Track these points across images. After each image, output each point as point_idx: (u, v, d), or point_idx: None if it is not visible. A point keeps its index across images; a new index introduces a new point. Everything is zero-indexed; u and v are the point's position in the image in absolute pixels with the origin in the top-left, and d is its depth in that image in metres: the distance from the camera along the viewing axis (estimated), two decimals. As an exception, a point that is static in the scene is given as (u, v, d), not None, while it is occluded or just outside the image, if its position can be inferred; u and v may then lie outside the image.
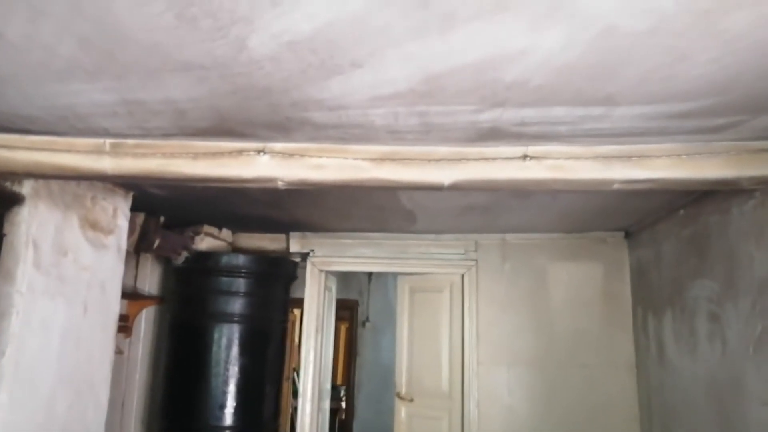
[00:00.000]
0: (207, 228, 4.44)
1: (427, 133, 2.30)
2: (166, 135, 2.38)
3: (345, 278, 7.19)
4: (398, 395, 4.80)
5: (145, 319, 4.63)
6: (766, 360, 2.65)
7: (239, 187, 2.72)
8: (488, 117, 2.13)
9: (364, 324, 7.44)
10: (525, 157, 2.46)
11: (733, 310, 2.94)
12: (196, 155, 2.44)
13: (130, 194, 3.43)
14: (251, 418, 4.05)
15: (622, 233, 4.57)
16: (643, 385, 4.26)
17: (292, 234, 4.75)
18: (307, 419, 4.42)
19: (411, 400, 4.74)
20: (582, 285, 4.57)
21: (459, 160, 2.46)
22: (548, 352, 4.51)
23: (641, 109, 2.05)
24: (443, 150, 2.46)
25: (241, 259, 4.20)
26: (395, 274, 5.27)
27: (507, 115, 2.12)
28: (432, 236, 4.68)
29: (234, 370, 4.01)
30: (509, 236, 4.64)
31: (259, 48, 1.63)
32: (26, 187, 2.62)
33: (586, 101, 1.99)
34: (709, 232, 3.21)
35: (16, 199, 2.55)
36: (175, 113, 2.13)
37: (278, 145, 2.45)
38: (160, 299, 4.66)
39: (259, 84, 1.86)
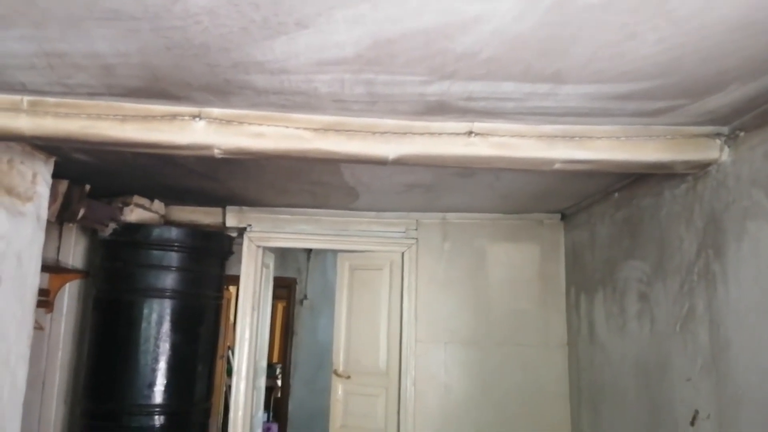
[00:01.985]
0: (137, 199, 4.21)
1: (373, 104, 2.23)
2: (92, 94, 2.20)
3: (283, 255, 7.05)
4: (335, 372, 4.77)
5: (69, 294, 4.37)
6: (691, 337, 2.76)
7: (172, 155, 2.57)
8: (436, 89, 2.08)
9: (302, 302, 7.34)
10: (470, 133, 2.43)
11: (662, 290, 3.05)
12: (124, 117, 2.27)
13: (52, 159, 3.19)
14: (182, 397, 3.91)
15: (559, 215, 4.67)
16: (573, 364, 4.40)
17: (228, 208, 4.59)
18: (242, 397, 4.32)
19: (348, 378, 4.71)
20: (520, 266, 4.65)
21: (405, 133, 2.41)
22: (485, 331, 4.58)
23: (587, 88, 2.06)
24: (389, 123, 2.40)
25: (173, 232, 4.01)
26: (335, 252, 5.20)
27: (455, 89, 2.08)
28: (373, 214, 4.63)
29: (164, 348, 3.84)
30: (450, 216, 4.65)
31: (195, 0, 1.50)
32: (-70, 146, 2.37)
33: (534, 77, 1.97)
34: (641, 214, 3.31)
35: None
36: (102, 69, 1.96)
37: (215, 111, 2.32)
38: (85, 273, 4.40)
39: (195, 40, 1.73)
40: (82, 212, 3.60)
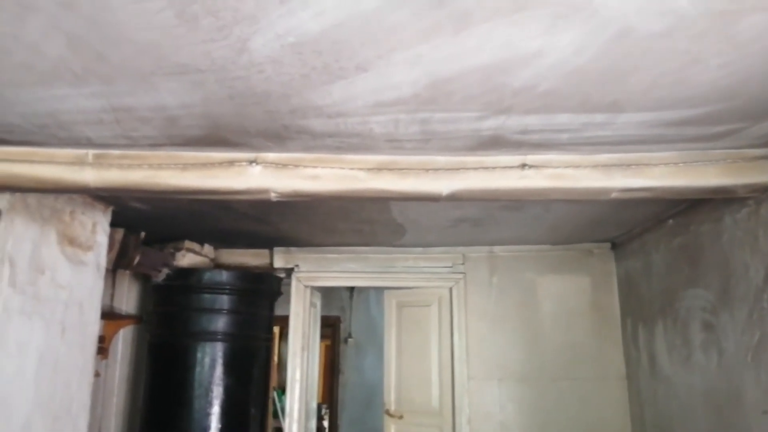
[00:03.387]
0: (188, 244, 4.30)
1: (426, 141, 2.24)
2: (154, 145, 2.27)
3: (326, 294, 7.05)
4: (387, 412, 4.69)
5: (123, 340, 4.45)
6: (764, 367, 2.63)
7: (227, 200, 2.62)
8: (491, 124, 2.08)
9: (346, 341, 7.31)
10: (524, 166, 2.42)
11: (729, 319, 2.92)
12: (185, 166, 2.33)
13: (110, 209, 3.29)
14: (236, 440, 3.89)
15: (609, 244, 4.57)
16: (634, 398, 4.23)
17: (276, 249, 4.63)
18: (295, 441, 4.28)
19: (400, 417, 4.62)
20: (570, 297, 4.54)
21: (458, 169, 2.41)
22: (539, 366, 4.46)
23: (645, 116, 2.03)
24: (442, 159, 2.40)
25: (224, 276, 4.06)
26: (378, 290, 5.16)
27: (510, 123, 2.08)
28: (419, 249, 4.62)
29: (218, 391, 3.85)
30: (497, 249, 4.60)
31: (261, 49, 1.55)
32: (2, 201, 2.47)
33: (591, 108, 1.95)
34: (701, 241, 3.21)
35: (-10, 214, 2.40)
36: (166, 121, 2.03)
37: (271, 155, 2.36)
38: (138, 319, 4.48)
39: (257, 89, 1.78)
40: (137, 259, 3.68)
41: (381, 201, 2.70)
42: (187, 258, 4.24)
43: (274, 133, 2.15)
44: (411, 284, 4.63)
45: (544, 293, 4.57)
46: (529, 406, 4.40)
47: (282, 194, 2.42)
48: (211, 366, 3.89)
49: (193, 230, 4.18)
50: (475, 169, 2.41)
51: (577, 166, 2.43)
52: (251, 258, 4.71)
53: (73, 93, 1.81)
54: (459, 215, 3.62)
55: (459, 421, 4.29)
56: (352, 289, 7.39)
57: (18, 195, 2.56)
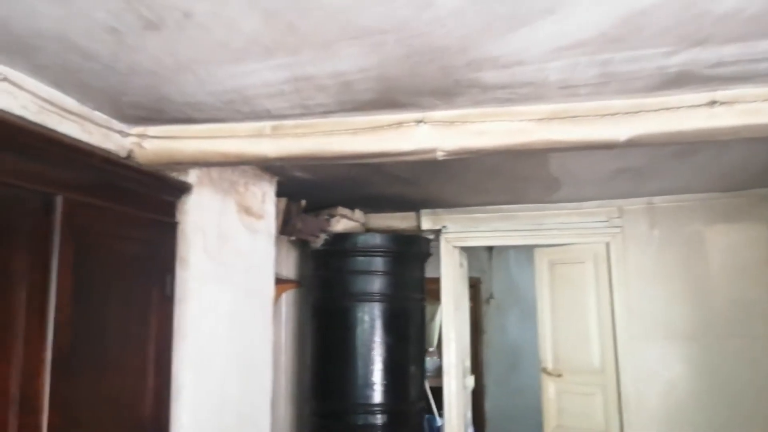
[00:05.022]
0: (341, 210, 4.46)
1: (604, 85, 2.10)
2: (326, 112, 2.34)
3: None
4: (545, 371, 4.63)
5: (286, 303, 4.76)
6: None
7: (394, 162, 2.65)
8: (680, 60, 1.90)
9: (488, 301, 7.28)
10: (713, 103, 2.19)
11: None
12: (355, 131, 2.39)
13: (275, 179, 3.49)
14: (399, 396, 4.05)
15: (789, 188, 4.09)
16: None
17: (423, 211, 4.68)
18: (453, 398, 4.36)
19: (559, 376, 4.54)
20: (742, 248, 4.15)
21: (636, 112, 2.24)
22: (707, 324, 4.15)
23: None
24: (618, 103, 2.25)
25: (378, 239, 4.18)
26: (519, 249, 5.02)
27: (703, 56, 1.88)
28: (572, 205, 4.43)
29: (379, 350, 4.01)
30: (657, 199, 4.30)
31: (446, 3, 1.52)
32: (192, 176, 2.70)
33: (807, 28, 1.71)
34: None
35: (184, 189, 2.63)
36: (341, 87, 2.08)
37: (437, 114, 2.35)
38: (298, 282, 4.76)
39: (435, 45, 1.76)
40: (299, 226, 3.89)
41: (550, 153, 2.60)
42: (341, 223, 4.41)
43: (445, 90, 2.13)
44: (563, 241, 4.48)
45: (712, 245, 4.21)
46: (696, 366, 4.13)
47: (449, 152, 2.40)
48: (371, 326, 4.05)
49: (344, 196, 4.34)
50: (657, 110, 2.23)
51: (776, 99, 2.16)
52: (399, 221, 4.81)
53: (260, 67, 1.90)
54: (620, 165, 3.41)
55: (623, 381, 4.14)
56: (490, 249, 7.31)
57: (203, 170, 2.78)
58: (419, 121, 2.35)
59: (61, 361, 1.87)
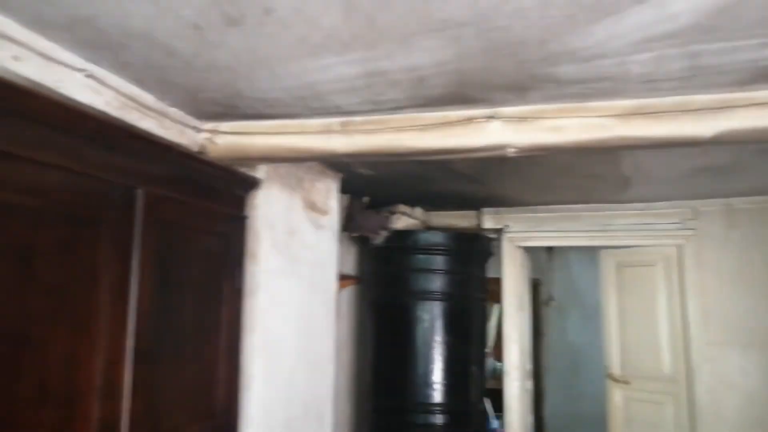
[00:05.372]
0: (402, 207, 4.46)
1: (689, 79, 2.00)
2: (395, 108, 2.33)
3: (525, 256, 6.91)
4: (611, 377, 4.48)
5: (344, 299, 4.78)
6: None
7: (462, 158, 2.61)
8: (778, 50, 1.79)
9: (548, 303, 7.12)
10: (808, 98, 2.06)
11: None
12: (424, 127, 2.37)
13: (339, 176, 3.51)
14: (459, 397, 4.01)
15: None
16: None
17: (484, 210, 4.62)
18: (515, 401, 4.28)
19: (626, 383, 4.39)
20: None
21: (722, 108, 2.13)
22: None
23: None
24: (702, 98, 2.14)
25: (440, 237, 4.15)
26: (581, 250, 4.86)
27: (802, 46, 1.76)
28: (641, 206, 4.27)
29: (440, 348, 3.98)
30: (736, 201, 4.08)
31: (529, -7, 1.47)
32: (260, 172, 2.74)
33: None
34: None
35: (254, 183, 2.68)
36: (414, 82, 2.06)
37: (509, 110, 2.29)
38: (358, 279, 4.78)
39: (514, 38, 1.71)
40: (361, 222, 3.91)
41: (628, 150, 2.50)
42: (401, 221, 4.40)
43: (519, 85, 2.08)
44: (632, 243, 4.32)
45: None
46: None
47: (520, 149, 2.35)
48: (432, 324, 4.02)
49: (405, 194, 4.32)
50: (745, 106, 2.11)
51: None
52: (459, 219, 4.76)
53: (336, 62, 1.90)
54: (699, 164, 3.25)
55: (697, 390, 3.95)
56: (550, 249, 7.14)
57: (272, 165, 2.82)
58: (490, 117, 2.31)
59: (141, 349, 1.93)
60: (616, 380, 4.42)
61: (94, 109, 1.96)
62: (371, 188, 3.97)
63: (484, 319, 4.35)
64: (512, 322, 4.40)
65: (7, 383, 1.50)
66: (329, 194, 3.41)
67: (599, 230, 4.32)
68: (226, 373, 2.44)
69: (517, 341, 4.38)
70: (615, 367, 4.46)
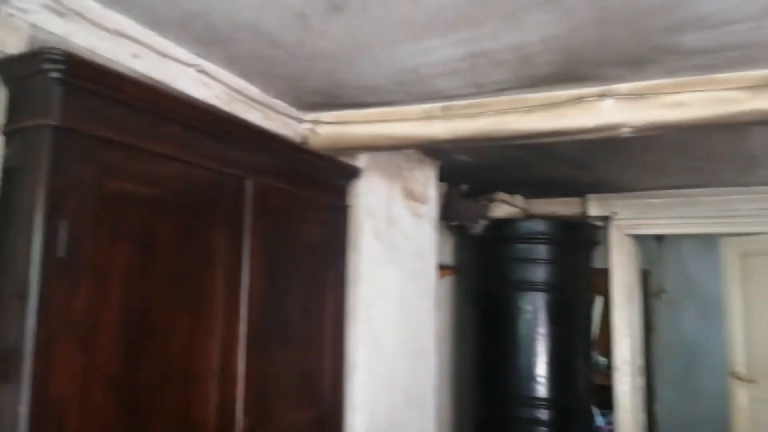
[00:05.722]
0: (501, 195, 4.33)
1: (839, 41, 1.77)
2: (499, 90, 2.24)
3: (632, 245, 6.51)
4: (735, 375, 4.13)
5: (442, 290, 4.73)
6: None
7: (566, 141, 2.48)
8: None
9: (658, 295, 6.68)
10: None
11: None
12: (529, 108, 2.26)
13: (437, 163, 3.46)
14: (565, 391, 3.85)
15: None
16: None
17: (589, 196, 4.39)
18: (626, 398, 4.06)
19: (753, 382, 4.03)
20: None
21: None
22: None
23: None
24: None
25: (542, 225, 3.99)
26: (694, 238, 4.47)
27: None
28: (769, 188, 3.89)
29: (543, 342, 3.84)
30: None
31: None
32: (361, 161, 2.75)
33: None
34: None
35: (355, 173, 2.69)
36: (520, 61, 1.96)
37: (624, 86, 2.14)
38: (455, 269, 4.71)
39: (635, 4, 1.58)
40: (460, 211, 3.83)
41: (758, 126, 2.26)
42: (501, 209, 4.29)
43: (635, 58, 1.93)
44: (759, 230, 3.94)
45: None
46: None
47: (636, 128, 2.18)
48: (534, 316, 3.89)
49: (505, 180, 4.20)
50: None
51: None
52: (562, 207, 4.56)
53: (438, 44, 1.85)
54: (842, 140, 2.90)
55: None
56: (659, 238, 6.69)
57: (372, 154, 2.82)
58: (602, 95, 2.16)
59: (252, 335, 1.99)
60: (740, 379, 4.07)
61: (206, 102, 2.03)
62: (469, 175, 3.88)
63: (589, 311, 4.15)
64: (621, 314, 4.16)
65: (134, 367, 1.59)
66: (428, 182, 3.36)
67: (720, 216, 3.97)
68: (331, 360, 2.48)
69: (628, 335, 4.14)
70: (739, 365, 4.10)
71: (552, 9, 1.61)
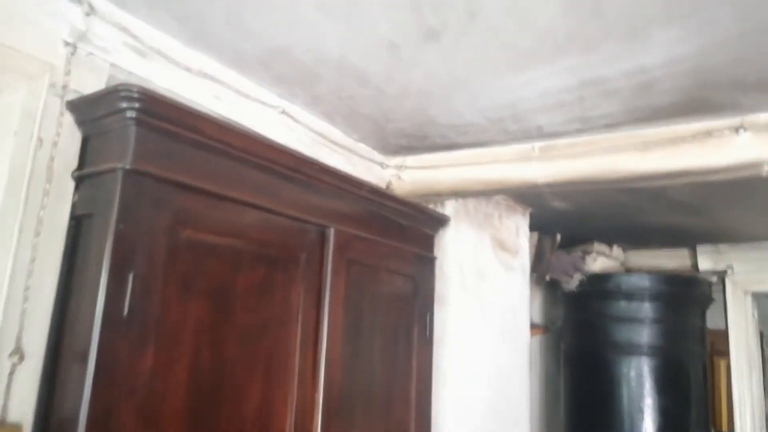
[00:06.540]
0: (598, 246, 3.97)
1: None
2: (609, 125, 1.99)
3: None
4: None
5: (532, 349, 4.36)
6: None
7: (690, 183, 2.16)
8: None
9: None
10: None
11: None
12: (645, 145, 1.98)
13: (528, 210, 3.19)
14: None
15: None
16: None
17: (700, 247, 3.94)
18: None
19: None
20: None
21: None
22: None
23: None
24: None
25: (647, 280, 3.58)
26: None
27: None
28: None
29: (650, 411, 3.37)
30: None
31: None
32: (448, 208, 2.54)
33: None
34: None
35: (443, 221, 2.47)
36: (637, 89, 1.71)
37: (764, 116, 1.83)
38: (545, 328, 4.33)
39: (792, 13, 1.31)
40: (553, 263, 3.52)
41: None
42: (597, 262, 3.91)
43: (783, 81, 1.64)
44: None
45: None
46: None
47: (781, 165, 1.86)
48: (639, 383, 3.44)
49: (601, 229, 3.84)
50: None
51: None
52: (666, 259, 4.12)
53: (543, 73, 1.64)
54: None
55: None
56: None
57: (460, 201, 2.60)
58: (737, 128, 1.86)
59: (331, 400, 1.77)
60: None
61: (288, 147, 1.90)
62: (561, 223, 3.57)
63: (705, 378, 3.64)
64: (744, 383, 3.63)
65: (209, 429, 1.41)
66: (519, 232, 3.09)
67: None
68: (415, 427, 2.20)
69: (750, 406, 3.59)
70: None
71: (686, 23, 1.37)
